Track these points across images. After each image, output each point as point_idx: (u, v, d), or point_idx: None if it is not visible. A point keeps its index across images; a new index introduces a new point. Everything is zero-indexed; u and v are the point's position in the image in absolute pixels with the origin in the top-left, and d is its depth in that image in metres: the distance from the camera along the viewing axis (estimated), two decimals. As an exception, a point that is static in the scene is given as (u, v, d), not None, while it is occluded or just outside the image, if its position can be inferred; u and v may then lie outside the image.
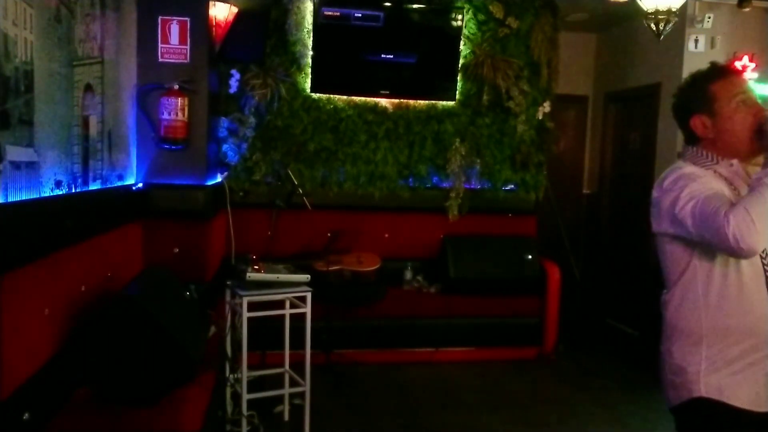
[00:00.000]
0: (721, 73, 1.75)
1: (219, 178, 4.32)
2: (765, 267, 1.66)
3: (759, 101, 1.74)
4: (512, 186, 5.27)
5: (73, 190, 2.51)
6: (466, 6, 5.04)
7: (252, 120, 4.70)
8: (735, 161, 1.73)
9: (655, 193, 1.77)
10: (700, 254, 1.68)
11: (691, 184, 1.65)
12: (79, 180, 2.59)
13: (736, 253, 1.53)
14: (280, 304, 3.39)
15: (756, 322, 1.65)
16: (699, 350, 1.69)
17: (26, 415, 1.96)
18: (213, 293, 3.66)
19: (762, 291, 1.65)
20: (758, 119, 1.68)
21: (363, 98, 5.01)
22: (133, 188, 3.40)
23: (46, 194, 2.22)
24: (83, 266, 2.51)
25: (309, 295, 3.31)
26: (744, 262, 1.64)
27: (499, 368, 4.59)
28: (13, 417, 1.90)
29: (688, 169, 1.73)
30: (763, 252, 1.65)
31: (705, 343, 1.68)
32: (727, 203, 1.56)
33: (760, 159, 1.69)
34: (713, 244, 1.58)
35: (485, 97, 5.13)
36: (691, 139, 1.79)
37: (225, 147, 4.61)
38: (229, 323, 3.38)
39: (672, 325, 1.77)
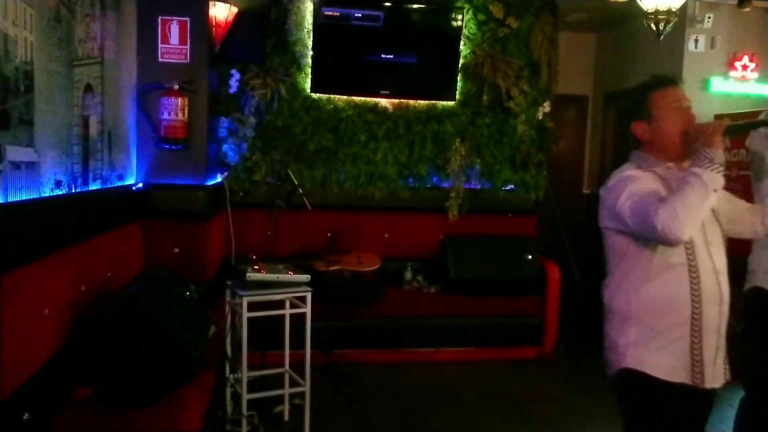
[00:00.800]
0: (659, 83, 1.99)
1: (219, 178, 4.32)
2: (688, 256, 1.86)
3: (691, 111, 1.96)
4: (512, 186, 5.27)
5: (73, 190, 2.51)
6: (466, 6, 5.04)
7: (252, 120, 4.70)
8: (672, 164, 1.95)
9: (602, 193, 2.01)
10: (637, 245, 1.91)
11: (631, 185, 1.89)
12: (79, 180, 2.59)
13: (665, 241, 1.78)
14: (280, 304, 3.39)
15: (677, 303, 1.86)
16: (628, 327, 1.93)
17: (26, 415, 1.96)
18: (213, 293, 3.66)
19: (684, 276, 1.86)
20: (686, 126, 1.92)
21: (363, 98, 5.00)
22: (133, 188, 3.40)
23: (46, 194, 2.22)
24: (83, 266, 2.51)
25: (309, 295, 3.31)
26: (670, 252, 1.85)
27: (499, 368, 4.59)
28: (13, 417, 1.90)
29: (630, 172, 1.96)
30: (689, 242, 1.86)
31: (633, 321, 1.92)
32: (658, 201, 1.79)
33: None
34: (647, 235, 1.82)
35: (485, 97, 5.12)
36: (635, 142, 2.04)
37: (225, 147, 4.61)
38: (229, 323, 3.37)
39: (607, 307, 2.03)
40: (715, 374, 1.88)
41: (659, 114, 1.94)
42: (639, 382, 1.88)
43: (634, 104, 2.02)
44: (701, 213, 1.78)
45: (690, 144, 1.88)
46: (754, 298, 2.74)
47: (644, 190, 1.86)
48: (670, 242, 1.77)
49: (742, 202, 2.12)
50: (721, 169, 1.78)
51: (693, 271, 1.85)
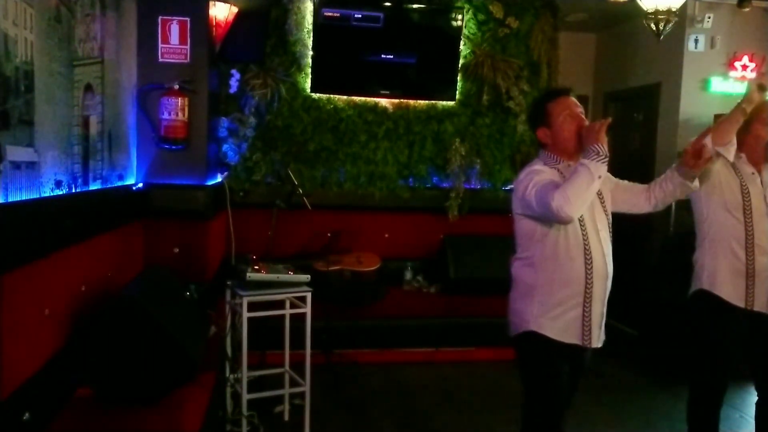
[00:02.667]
0: (553, 95, 2.34)
1: (219, 178, 4.32)
2: (584, 240, 2.21)
3: (581, 114, 2.28)
4: (512, 186, 5.26)
5: (73, 190, 2.51)
6: (466, 6, 5.04)
7: (252, 120, 4.71)
8: (571, 162, 2.26)
9: (514, 185, 2.35)
10: (542, 228, 2.23)
11: (536, 177, 2.23)
12: (79, 180, 2.59)
13: (559, 219, 2.10)
14: (280, 304, 3.38)
15: (574, 277, 2.21)
16: (532, 297, 2.26)
17: (26, 415, 1.96)
18: (213, 293, 3.66)
19: (581, 254, 2.21)
20: (578, 128, 2.23)
21: (363, 98, 5.01)
22: (133, 188, 3.40)
23: (46, 194, 2.22)
24: (83, 266, 2.51)
25: (309, 295, 3.31)
26: (570, 233, 2.20)
27: (499, 368, 4.58)
28: (13, 417, 1.90)
29: (537, 166, 2.31)
30: (582, 224, 2.21)
31: (536, 292, 2.26)
32: (555, 187, 2.11)
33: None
34: (546, 214, 2.13)
35: (485, 97, 5.13)
36: (540, 144, 2.36)
37: (225, 147, 4.61)
38: (229, 323, 3.37)
39: (515, 279, 2.35)
40: (599, 336, 2.29)
41: (556, 120, 2.26)
42: (538, 341, 2.25)
43: (536, 114, 2.35)
44: (588, 196, 2.10)
45: (582, 142, 2.19)
46: (697, 301, 2.78)
47: (545, 180, 2.20)
48: (563, 220, 2.09)
49: (628, 184, 2.52)
50: (606, 159, 2.11)
51: (587, 252, 2.21)
